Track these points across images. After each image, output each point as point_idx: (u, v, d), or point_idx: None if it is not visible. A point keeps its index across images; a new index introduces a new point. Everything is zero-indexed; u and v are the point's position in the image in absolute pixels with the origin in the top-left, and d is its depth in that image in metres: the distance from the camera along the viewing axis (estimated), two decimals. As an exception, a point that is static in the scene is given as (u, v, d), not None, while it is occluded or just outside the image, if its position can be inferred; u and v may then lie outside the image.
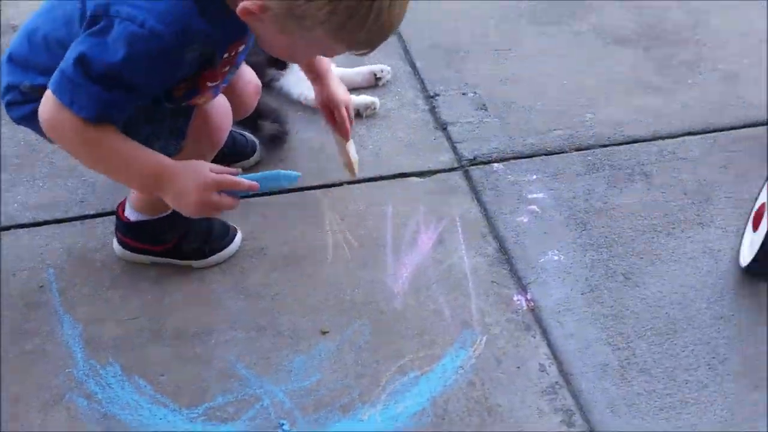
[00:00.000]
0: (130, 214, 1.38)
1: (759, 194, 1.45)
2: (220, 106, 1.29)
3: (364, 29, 1.00)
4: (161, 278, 1.39)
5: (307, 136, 1.70)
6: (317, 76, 1.47)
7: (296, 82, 1.76)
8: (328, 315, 1.34)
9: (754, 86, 1.87)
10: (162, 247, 1.38)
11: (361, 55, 1.12)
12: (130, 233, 1.39)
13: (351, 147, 1.52)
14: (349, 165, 1.52)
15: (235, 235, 1.43)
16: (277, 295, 1.37)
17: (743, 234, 1.45)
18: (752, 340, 1.32)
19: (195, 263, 1.40)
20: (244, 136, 1.64)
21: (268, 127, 1.67)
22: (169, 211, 1.36)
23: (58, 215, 1.51)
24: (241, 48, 1.19)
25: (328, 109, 1.48)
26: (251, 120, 1.66)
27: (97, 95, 1.04)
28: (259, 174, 1.23)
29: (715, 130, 1.75)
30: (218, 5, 1.07)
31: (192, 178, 1.11)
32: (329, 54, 1.18)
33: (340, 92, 1.48)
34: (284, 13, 1.00)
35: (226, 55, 1.16)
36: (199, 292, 1.37)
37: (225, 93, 1.34)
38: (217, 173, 1.14)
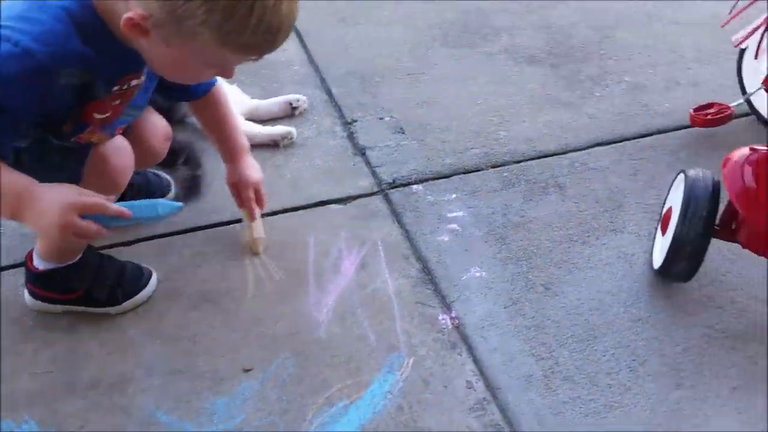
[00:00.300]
0: (38, 263, 1.33)
1: (666, 199, 1.50)
2: (118, 147, 1.25)
3: (248, 30, 0.99)
4: (74, 327, 1.34)
5: (223, 170, 1.67)
6: (231, 156, 1.47)
7: None
8: (249, 352, 1.31)
9: (658, 95, 1.95)
10: (73, 295, 1.34)
11: (254, 60, 1.09)
12: (39, 283, 1.34)
13: (258, 226, 1.49)
14: (252, 243, 1.48)
15: (150, 277, 1.39)
16: (195, 336, 1.33)
17: (654, 237, 1.50)
18: (669, 340, 1.35)
19: (110, 310, 1.35)
20: (158, 175, 1.61)
21: (182, 169, 1.64)
22: (77, 259, 1.31)
23: (-36, 270, 1.44)
24: (134, 82, 1.16)
25: (236, 188, 1.47)
26: (166, 160, 1.64)
27: None
28: (136, 201, 1.17)
29: (623, 140, 1.81)
30: (102, 31, 1.04)
31: (55, 200, 1.05)
32: (224, 71, 1.13)
33: (251, 173, 1.47)
34: (166, 18, 0.98)
35: (116, 88, 1.13)
36: (114, 338, 1.32)
37: (132, 140, 1.31)
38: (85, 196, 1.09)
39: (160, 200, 1.18)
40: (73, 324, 1.35)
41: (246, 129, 1.73)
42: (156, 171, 1.62)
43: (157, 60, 1.09)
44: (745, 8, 1.68)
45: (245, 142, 1.50)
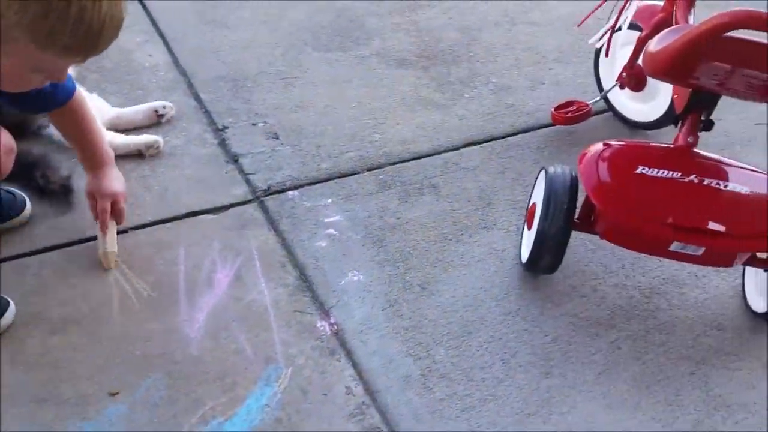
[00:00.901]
0: None
1: (531, 195, 1.56)
2: None
3: (67, 32, 0.95)
4: None
5: (83, 183, 1.58)
6: (92, 166, 1.42)
7: None
8: (116, 374, 1.25)
9: (523, 95, 2.03)
10: None
11: (78, 63, 1.06)
12: None
13: (110, 239, 1.43)
14: (103, 258, 1.42)
15: (6, 308, 1.30)
16: (58, 362, 1.25)
17: (522, 233, 1.55)
18: (539, 331, 1.41)
19: None
20: (11, 192, 1.50)
21: (42, 180, 1.54)
22: None
23: None
24: None
25: (93, 199, 1.42)
26: (22, 175, 1.53)
27: None
28: None
29: (491, 139, 1.86)
30: None
31: None
32: (53, 74, 1.08)
33: (110, 184, 1.42)
34: None
35: None
36: (-35, 371, 1.22)
37: None
38: None
39: None
40: None
41: (107, 139, 1.64)
42: (9, 188, 1.50)
43: None
44: (595, 9, 1.78)
45: (109, 153, 1.44)
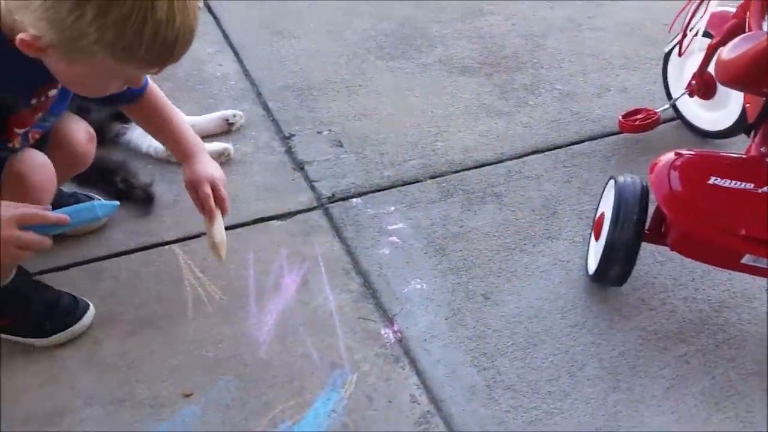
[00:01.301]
0: None
1: (598, 205, 1.54)
2: (38, 165, 1.21)
3: (143, 46, 0.98)
4: (6, 359, 1.29)
5: (160, 189, 1.65)
6: (185, 155, 1.39)
7: (143, 134, 1.71)
8: (190, 376, 1.29)
9: (588, 102, 2.01)
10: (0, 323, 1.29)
11: (155, 73, 1.09)
12: None
13: (217, 227, 1.36)
14: (213, 250, 1.36)
15: (86, 310, 1.35)
16: (134, 363, 1.30)
17: (588, 243, 1.54)
18: (606, 344, 1.39)
19: (36, 342, 1.31)
20: (89, 197, 1.56)
21: (123, 185, 1.60)
22: (5, 284, 1.27)
23: None
24: (52, 93, 1.15)
25: (192, 187, 1.37)
26: (103, 180, 1.60)
27: None
28: (72, 206, 1.14)
29: (556, 147, 1.85)
30: (8, 50, 1.02)
31: None
32: (129, 81, 1.12)
33: (206, 169, 1.38)
34: (58, 39, 0.97)
35: (34, 101, 1.12)
36: (49, 369, 1.28)
37: (54, 146, 1.28)
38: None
39: (96, 202, 1.14)
40: (5, 355, 1.30)
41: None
42: (89, 193, 1.57)
43: (61, 76, 1.08)
44: (681, 11, 1.73)
45: (198, 141, 1.42)
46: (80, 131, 1.38)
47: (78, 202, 1.52)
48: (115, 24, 0.95)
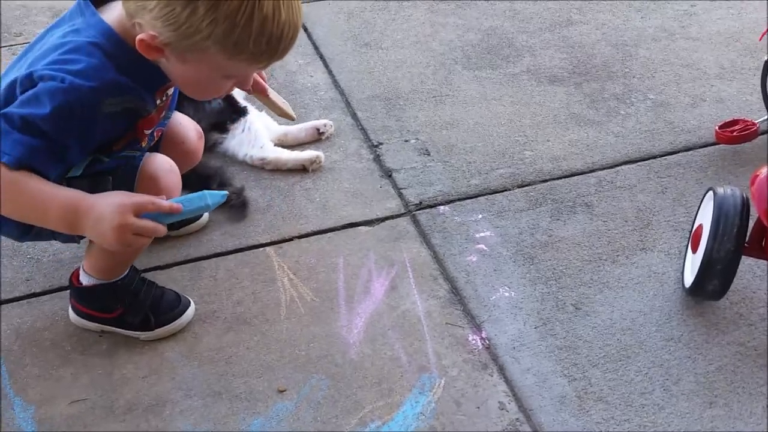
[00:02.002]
0: (84, 278, 1.37)
1: (695, 216, 1.50)
2: (167, 168, 1.29)
3: (251, 39, 1.04)
4: (112, 351, 1.37)
5: (254, 195, 1.71)
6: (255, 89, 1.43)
7: (239, 143, 1.78)
8: (284, 373, 1.33)
9: (683, 112, 1.95)
10: (109, 315, 1.37)
11: (262, 68, 1.15)
12: (80, 298, 1.38)
13: (275, 97, 1.47)
14: (282, 112, 1.47)
15: (188, 306, 1.41)
16: (231, 358, 1.36)
17: (684, 256, 1.49)
18: (702, 359, 1.35)
19: (141, 335, 1.38)
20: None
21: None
22: (114, 280, 1.34)
23: (4, 296, 1.48)
24: (170, 91, 1.23)
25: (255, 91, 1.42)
26: (201, 186, 1.67)
27: (20, 141, 1.07)
28: (184, 196, 1.20)
29: (649, 158, 1.81)
30: (132, 58, 1.10)
31: (110, 203, 1.10)
32: (239, 80, 1.18)
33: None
34: (174, 36, 1.04)
35: (158, 101, 1.19)
36: (151, 362, 1.35)
37: (168, 144, 1.36)
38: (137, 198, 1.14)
39: (206, 191, 1.19)
40: (110, 348, 1.38)
41: (276, 155, 1.77)
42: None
43: (178, 78, 1.15)
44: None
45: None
46: (191, 129, 1.46)
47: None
48: (225, 18, 1.02)
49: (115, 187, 1.21)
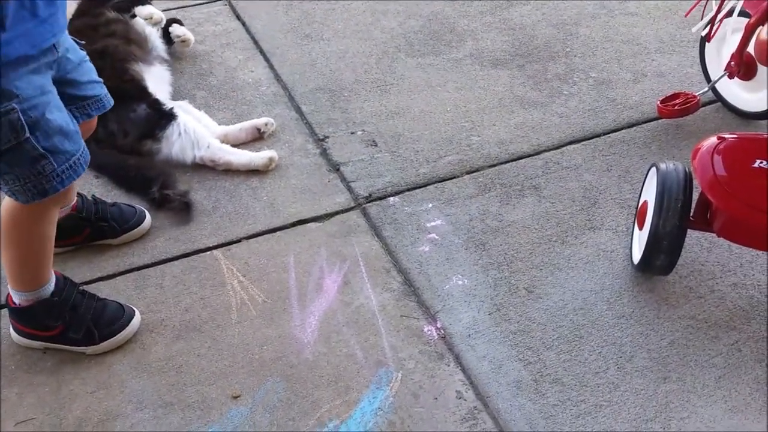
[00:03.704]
0: (15, 297, 1.32)
1: (640, 193, 1.51)
2: None
3: None
4: (57, 367, 1.32)
5: (199, 197, 1.67)
6: None
7: (182, 149, 1.72)
8: (237, 378, 1.30)
9: (625, 89, 1.97)
10: (50, 333, 1.32)
11: None
12: (18, 318, 1.34)
13: None
14: None
15: (132, 316, 1.37)
16: (181, 367, 1.32)
17: (632, 233, 1.51)
18: (654, 334, 1.37)
19: (86, 350, 1.33)
20: (131, 206, 1.59)
21: (162, 195, 1.63)
22: (47, 296, 1.30)
23: (-61, 318, 1.42)
24: None
25: None
26: (142, 189, 1.63)
27: None
28: None
29: (594, 136, 1.82)
30: None
31: None
32: None
33: None
34: None
35: None
36: (99, 376, 1.31)
37: None
38: None
39: None
40: (56, 364, 1.33)
41: (226, 160, 1.72)
42: (129, 203, 1.60)
43: None
44: (702, -1, 1.70)
45: None
46: None
47: (121, 211, 1.55)
48: None
49: None
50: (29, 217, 1.22)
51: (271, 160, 1.73)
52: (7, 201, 1.22)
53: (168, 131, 1.71)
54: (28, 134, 1.10)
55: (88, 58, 1.28)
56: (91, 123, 1.33)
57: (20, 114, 1.08)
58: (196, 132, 1.72)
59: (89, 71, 1.27)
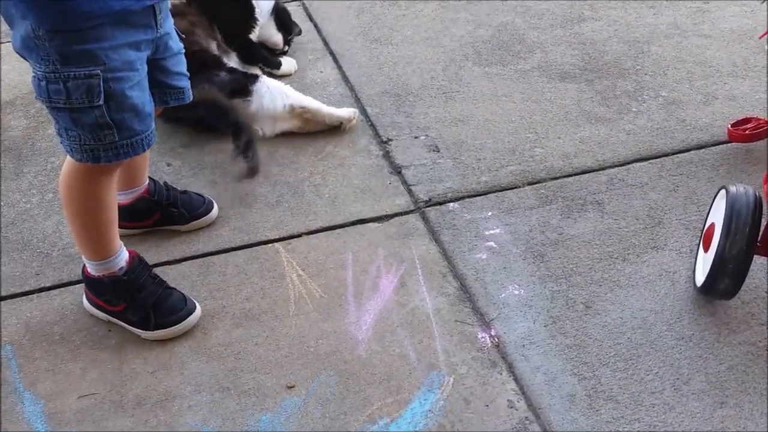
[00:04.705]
0: (88, 267, 1.37)
1: (707, 215, 1.48)
2: None
3: None
4: (121, 346, 1.37)
5: (263, 191, 1.71)
6: None
7: (272, 99, 1.82)
8: (292, 369, 1.33)
9: (695, 110, 1.94)
10: (114, 308, 1.37)
11: None
12: (89, 287, 1.40)
13: None
14: None
15: (192, 311, 1.39)
16: (240, 354, 1.36)
17: (696, 255, 1.48)
18: (713, 358, 1.34)
19: (142, 334, 1.38)
20: (201, 195, 1.64)
21: (246, 145, 1.70)
22: (116, 274, 1.35)
23: (14, 290, 1.49)
24: None
25: None
26: (236, 131, 1.73)
27: None
28: None
29: (661, 155, 1.79)
30: None
31: None
32: None
33: None
34: None
35: None
36: (160, 357, 1.35)
37: None
38: None
39: None
40: (119, 343, 1.38)
41: (317, 107, 1.84)
42: (199, 192, 1.65)
43: None
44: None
45: None
46: None
47: (191, 199, 1.60)
48: None
49: None
50: (81, 179, 1.25)
51: (354, 114, 1.85)
52: (66, 164, 1.26)
53: (257, 86, 1.82)
54: (101, 102, 1.13)
55: (184, 51, 1.33)
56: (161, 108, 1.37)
57: (101, 81, 1.12)
58: (279, 86, 1.85)
59: (181, 63, 1.32)
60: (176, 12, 1.94)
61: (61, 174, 1.27)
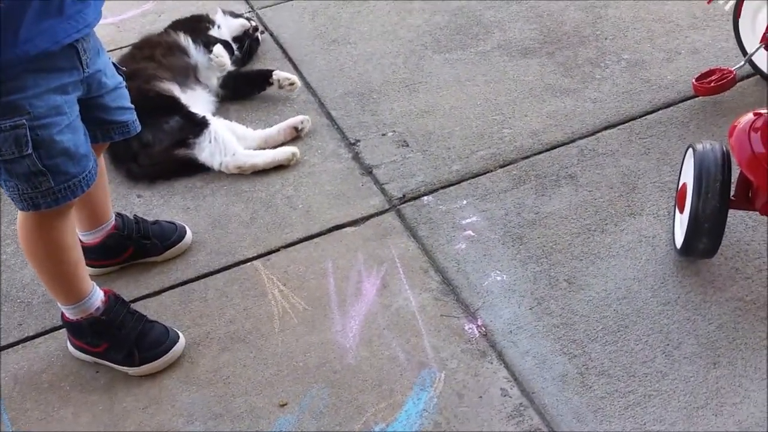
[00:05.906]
0: (65, 311, 1.36)
1: (679, 175, 1.47)
2: None
3: None
4: (110, 385, 1.37)
5: (237, 210, 1.70)
6: None
7: (211, 154, 1.77)
8: (283, 387, 1.32)
9: (659, 68, 1.92)
10: (96, 349, 1.37)
11: None
12: (70, 332, 1.39)
13: None
14: None
15: (175, 342, 1.38)
16: (229, 378, 1.35)
17: (673, 216, 1.47)
18: (702, 319, 1.33)
19: (129, 371, 1.37)
20: (173, 223, 1.62)
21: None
22: (94, 315, 1.34)
23: (-2, 343, 1.48)
24: None
25: None
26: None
27: None
28: None
29: (630, 119, 1.78)
30: None
31: None
32: None
33: None
34: None
35: None
36: (150, 392, 1.34)
37: None
38: None
39: None
40: (108, 382, 1.37)
41: (252, 162, 1.77)
42: (170, 220, 1.64)
43: None
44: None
45: None
46: None
47: (162, 228, 1.59)
48: None
49: None
50: (35, 227, 1.24)
51: (293, 154, 1.79)
52: (19, 215, 1.26)
53: (200, 138, 1.77)
54: (30, 150, 1.12)
55: (124, 84, 1.31)
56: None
57: (27, 130, 1.11)
58: (225, 139, 1.78)
59: (121, 97, 1.30)
60: (143, 45, 1.96)
61: (17, 226, 1.26)
